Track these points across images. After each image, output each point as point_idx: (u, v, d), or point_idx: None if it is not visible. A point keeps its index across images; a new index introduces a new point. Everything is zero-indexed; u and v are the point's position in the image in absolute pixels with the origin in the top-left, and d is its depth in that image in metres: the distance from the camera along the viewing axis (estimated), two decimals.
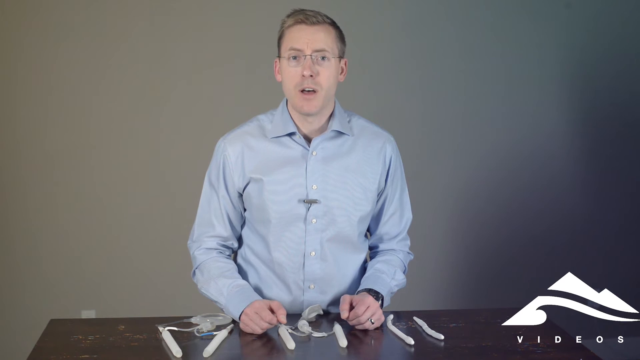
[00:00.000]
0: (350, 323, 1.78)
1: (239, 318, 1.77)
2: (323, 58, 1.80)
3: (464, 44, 3.50)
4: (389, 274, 1.92)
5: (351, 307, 1.79)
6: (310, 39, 1.78)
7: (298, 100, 1.81)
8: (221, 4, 3.34)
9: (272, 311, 1.75)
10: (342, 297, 1.83)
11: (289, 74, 1.81)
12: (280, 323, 1.73)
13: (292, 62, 1.80)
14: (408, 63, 3.48)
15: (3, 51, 3.23)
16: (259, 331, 1.73)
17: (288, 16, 1.84)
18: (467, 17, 3.50)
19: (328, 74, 1.80)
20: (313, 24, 1.79)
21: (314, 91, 1.80)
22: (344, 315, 1.78)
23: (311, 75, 1.78)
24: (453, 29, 3.49)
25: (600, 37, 3.58)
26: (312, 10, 1.83)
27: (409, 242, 2.05)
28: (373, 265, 1.96)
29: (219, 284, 1.85)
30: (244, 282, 1.87)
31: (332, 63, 1.81)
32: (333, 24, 1.84)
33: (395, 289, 1.95)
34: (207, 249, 1.94)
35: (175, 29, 3.32)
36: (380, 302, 1.85)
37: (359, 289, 1.89)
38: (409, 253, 2.04)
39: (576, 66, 3.58)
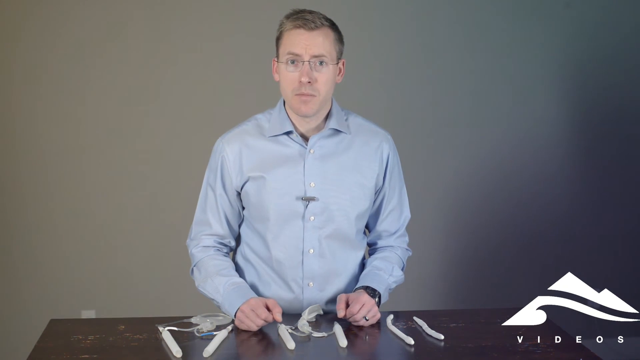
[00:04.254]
0: (348, 320, 1.80)
1: (235, 315, 1.78)
2: (321, 63, 1.80)
3: (462, 43, 3.50)
4: (386, 271, 1.94)
5: (347, 306, 1.81)
6: (309, 44, 1.78)
7: (295, 103, 1.83)
8: (220, 2, 3.34)
9: (268, 309, 1.77)
10: (338, 296, 1.84)
11: (287, 78, 1.82)
12: (276, 321, 1.74)
13: (290, 67, 1.81)
14: (406, 63, 3.48)
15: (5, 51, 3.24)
16: (254, 328, 1.75)
17: (287, 18, 1.84)
18: (465, 16, 3.50)
19: (325, 79, 1.81)
20: (311, 29, 1.79)
21: (311, 95, 1.81)
22: (340, 314, 1.79)
23: (309, 82, 1.79)
24: (451, 28, 3.49)
25: (600, 37, 3.58)
26: (310, 13, 1.82)
27: (407, 239, 2.06)
28: (371, 263, 1.97)
29: (215, 281, 1.86)
30: (241, 279, 1.89)
31: (330, 68, 1.82)
32: (332, 26, 1.84)
33: (394, 286, 1.97)
34: (204, 246, 1.95)
35: (174, 27, 3.32)
36: (377, 299, 1.86)
37: (356, 287, 1.91)
38: (407, 249, 2.06)
39: (576, 66, 3.58)
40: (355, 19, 3.39)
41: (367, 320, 1.79)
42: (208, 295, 1.89)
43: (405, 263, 2.04)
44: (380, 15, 3.44)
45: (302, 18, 1.80)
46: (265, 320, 1.75)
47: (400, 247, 2.03)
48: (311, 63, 1.79)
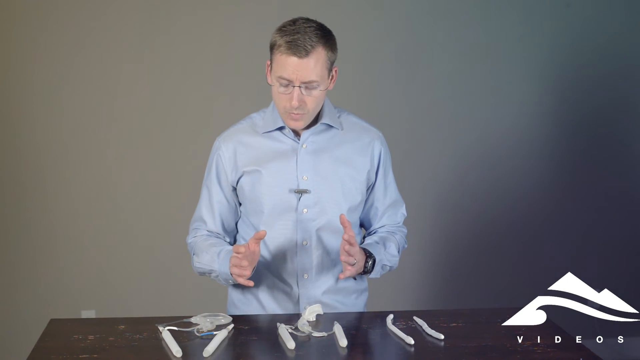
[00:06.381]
0: (345, 247, 1.81)
1: (230, 273, 1.83)
2: (312, 87, 1.82)
3: (463, 43, 3.50)
4: (384, 246, 1.96)
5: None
6: (299, 70, 1.79)
7: (286, 119, 1.88)
8: (219, 2, 3.34)
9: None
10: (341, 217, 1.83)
11: (278, 97, 1.85)
12: (260, 236, 1.77)
13: (281, 89, 1.83)
14: (399, 64, 3.48)
15: (1, 50, 3.24)
16: (245, 273, 1.78)
17: (280, 34, 1.81)
18: (466, 16, 3.50)
19: (315, 99, 1.84)
20: (302, 57, 1.78)
21: (301, 114, 1.85)
22: (349, 233, 1.79)
23: (298, 105, 1.82)
24: (451, 28, 3.49)
25: (600, 37, 3.58)
26: (303, 33, 1.78)
27: (405, 231, 2.10)
28: (371, 238, 2.01)
29: (211, 252, 1.91)
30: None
31: (321, 88, 1.84)
32: (324, 41, 1.81)
33: (387, 264, 1.97)
34: (196, 235, 2.01)
35: (173, 28, 3.32)
36: (371, 263, 1.89)
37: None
38: (405, 240, 2.08)
39: (576, 66, 3.58)
40: (347, 17, 3.38)
41: (350, 265, 1.81)
42: (205, 268, 1.92)
43: (400, 250, 2.04)
44: (371, 16, 3.44)
45: (294, 44, 1.77)
46: (239, 265, 1.77)
47: (399, 234, 2.06)
48: (301, 88, 1.81)
